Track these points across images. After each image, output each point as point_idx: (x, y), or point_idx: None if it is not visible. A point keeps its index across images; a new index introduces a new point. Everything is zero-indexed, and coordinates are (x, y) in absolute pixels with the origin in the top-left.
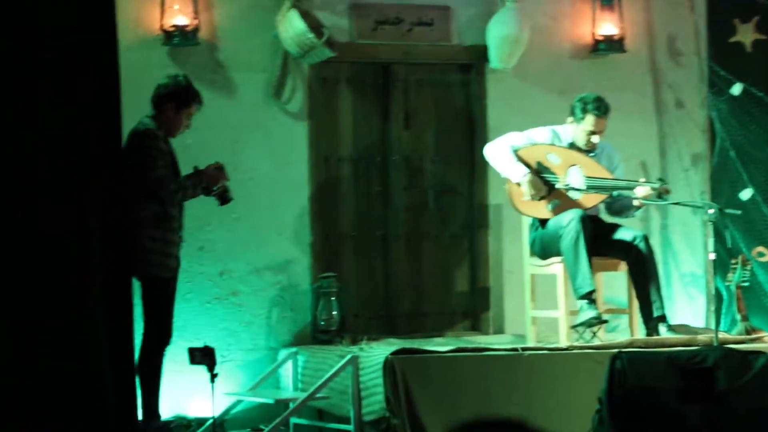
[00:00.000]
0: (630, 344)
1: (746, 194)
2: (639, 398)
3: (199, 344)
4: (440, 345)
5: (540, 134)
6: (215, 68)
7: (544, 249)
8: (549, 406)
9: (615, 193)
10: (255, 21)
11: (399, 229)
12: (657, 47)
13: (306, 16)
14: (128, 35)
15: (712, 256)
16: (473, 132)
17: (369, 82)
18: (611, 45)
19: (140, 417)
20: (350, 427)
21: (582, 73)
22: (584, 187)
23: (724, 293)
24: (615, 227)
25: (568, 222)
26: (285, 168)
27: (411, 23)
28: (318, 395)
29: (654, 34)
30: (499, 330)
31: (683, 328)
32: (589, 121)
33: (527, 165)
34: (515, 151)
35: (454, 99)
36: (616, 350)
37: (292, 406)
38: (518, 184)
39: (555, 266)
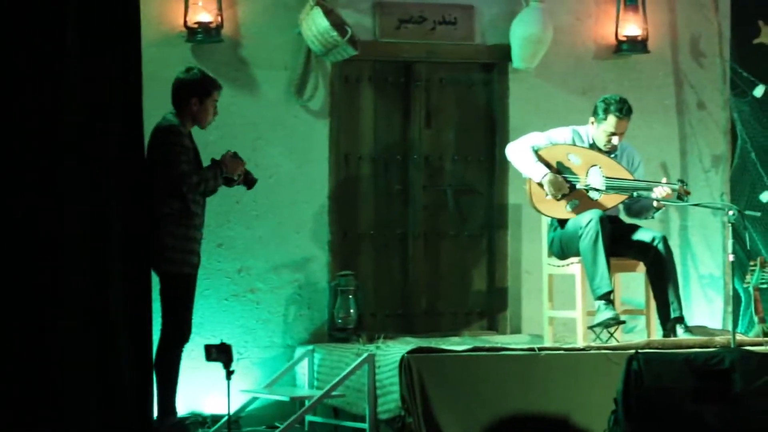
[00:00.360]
0: (647, 345)
1: (766, 196)
2: (655, 399)
3: (215, 341)
4: (457, 344)
5: (561, 134)
6: (238, 65)
7: (563, 249)
8: (565, 407)
9: (635, 193)
10: (278, 18)
11: (418, 228)
12: (680, 48)
13: (329, 14)
14: (151, 31)
15: (731, 257)
16: (494, 132)
17: (391, 80)
18: (634, 45)
19: (156, 414)
20: (365, 425)
21: (604, 74)
22: (604, 188)
23: (742, 295)
24: (634, 228)
25: (587, 222)
26: (305, 166)
27: (434, 22)
28: (334, 393)
29: (677, 35)
30: (516, 330)
31: (700, 330)
32: (611, 122)
33: (548, 165)
34: (536, 151)
35: (476, 98)
36: (632, 351)
37: (307, 403)
38: (539, 184)
39: (573, 266)
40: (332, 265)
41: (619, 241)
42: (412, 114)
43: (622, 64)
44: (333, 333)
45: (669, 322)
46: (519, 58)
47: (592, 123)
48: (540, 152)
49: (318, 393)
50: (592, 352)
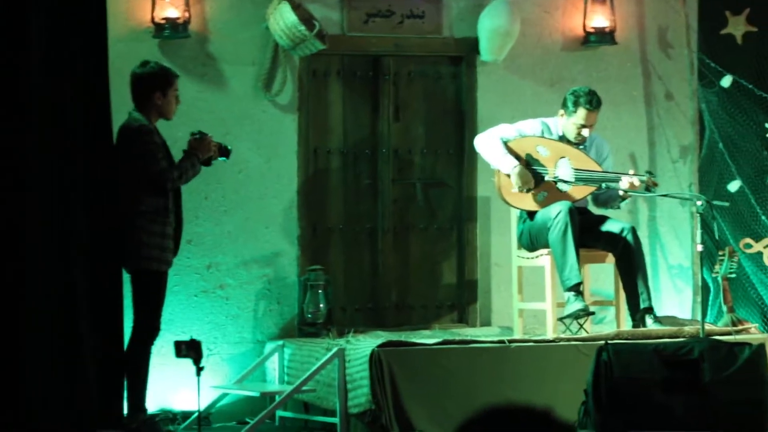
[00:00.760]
0: (616, 336)
1: (734, 186)
2: (625, 389)
3: (185, 337)
4: (427, 337)
5: (530, 126)
6: (205, 61)
7: (532, 241)
8: (536, 398)
9: (603, 185)
10: (245, 13)
11: (387, 222)
12: (648, 39)
13: (297, 8)
14: (118, 27)
15: (700, 247)
16: (463, 125)
17: (359, 74)
18: (602, 37)
19: (126, 410)
20: (336, 419)
21: (572, 65)
22: (573, 180)
23: (711, 285)
24: (603, 219)
25: (556, 214)
26: (274, 160)
27: (402, 15)
28: (304, 388)
29: (645, 26)
30: (486, 322)
31: (670, 320)
32: (581, 114)
33: (517, 157)
34: (505, 143)
35: (445, 91)
36: (602, 342)
37: (278, 399)
38: (508, 176)
39: (543, 258)
40: (302, 259)
41: (588, 232)
42: (380, 107)
43: (590, 55)
44: (303, 328)
45: (638, 312)
46: (487, 51)
47: (562, 115)
48: (509, 144)
49: (288, 388)
50: (562, 343)
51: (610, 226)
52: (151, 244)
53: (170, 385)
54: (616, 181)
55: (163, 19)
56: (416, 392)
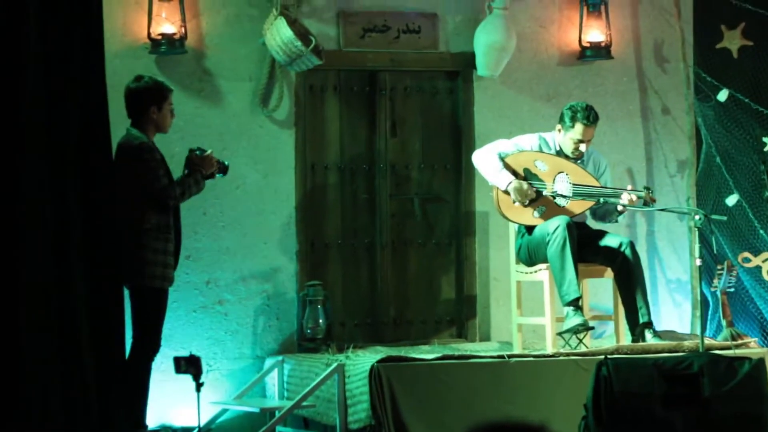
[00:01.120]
0: (616, 351)
1: (732, 200)
2: (624, 404)
3: (184, 353)
4: (426, 353)
5: (527, 141)
6: (202, 76)
7: (531, 256)
8: (535, 413)
9: (601, 200)
10: (242, 29)
11: (385, 237)
12: (644, 54)
13: (293, 24)
14: (115, 43)
15: (698, 262)
16: (460, 139)
17: (356, 89)
18: (598, 52)
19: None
20: None
21: (569, 80)
22: (571, 195)
23: (710, 299)
24: (601, 234)
25: (554, 229)
26: (272, 176)
27: (398, 30)
28: (304, 403)
29: (641, 40)
30: (485, 337)
31: (669, 335)
32: (578, 129)
33: (514, 172)
34: (503, 158)
35: (441, 106)
36: (601, 357)
37: (278, 414)
38: (505, 191)
39: (541, 273)
40: (300, 275)
41: (586, 247)
42: (377, 123)
43: (586, 70)
44: (302, 343)
45: (637, 327)
46: (483, 66)
47: (559, 130)
48: (507, 159)
49: (288, 404)
50: (561, 358)
51: (609, 241)
52: (155, 261)
53: (170, 401)
54: (614, 196)
55: (160, 35)
56: (416, 407)
